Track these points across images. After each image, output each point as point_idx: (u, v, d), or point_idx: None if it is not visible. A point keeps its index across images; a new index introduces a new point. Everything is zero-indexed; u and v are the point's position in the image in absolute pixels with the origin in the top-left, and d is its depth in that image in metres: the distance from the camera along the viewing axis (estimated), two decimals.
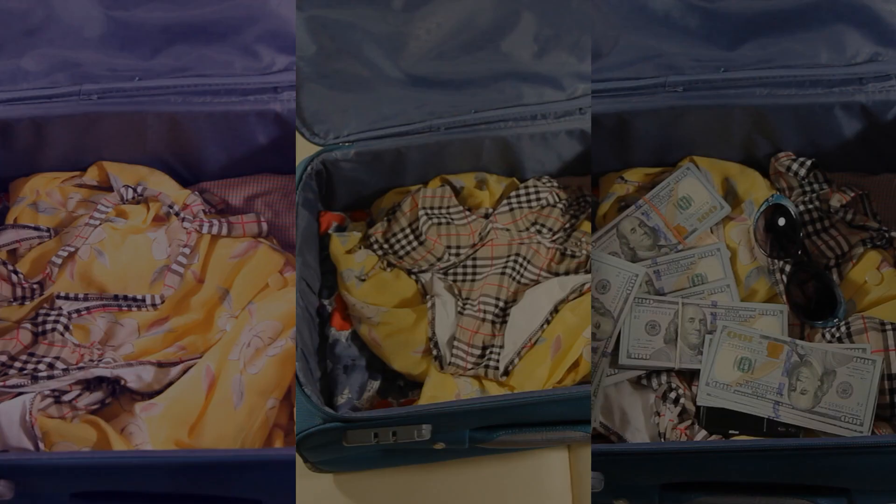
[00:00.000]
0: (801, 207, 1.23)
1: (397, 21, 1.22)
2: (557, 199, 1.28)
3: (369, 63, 1.23)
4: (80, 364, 1.13)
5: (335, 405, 1.15)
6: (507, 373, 1.15)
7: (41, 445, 1.05)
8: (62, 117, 1.21)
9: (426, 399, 1.13)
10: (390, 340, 1.18)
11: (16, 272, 1.18)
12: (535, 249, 1.23)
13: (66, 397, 1.09)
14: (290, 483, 1.00)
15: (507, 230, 1.25)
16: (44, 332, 1.15)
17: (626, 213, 1.25)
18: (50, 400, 1.08)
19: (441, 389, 1.13)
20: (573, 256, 1.22)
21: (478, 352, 1.16)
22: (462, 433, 1.09)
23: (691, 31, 1.22)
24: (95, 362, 1.13)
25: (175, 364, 1.13)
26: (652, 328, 1.16)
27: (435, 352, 1.16)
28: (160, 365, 1.12)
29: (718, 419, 1.10)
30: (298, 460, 1.11)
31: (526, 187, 1.28)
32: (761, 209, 1.20)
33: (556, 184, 1.29)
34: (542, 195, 1.27)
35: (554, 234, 1.25)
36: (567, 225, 1.27)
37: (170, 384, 1.12)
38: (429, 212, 1.26)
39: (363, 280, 1.22)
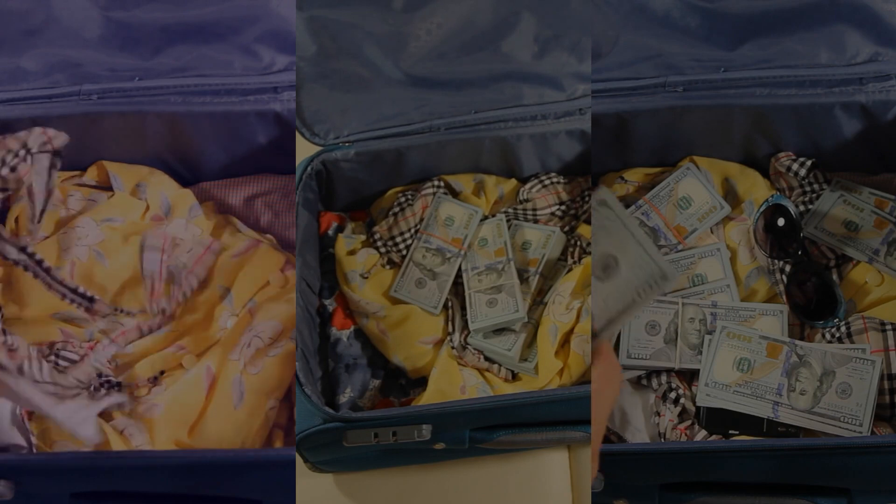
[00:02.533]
0: (801, 207, 1.23)
1: (397, 21, 1.22)
2: (558, 200, 1.28)
3: (369, 63, 1.23)
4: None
5: (337, 404, 1.15)
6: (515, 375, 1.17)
7: (33, 440, 1.05)
8: (62, 117, 1.21)
9: (433, 391, 1.13)
10: (398, 330, 1.18)
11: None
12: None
13: None
14: (290, 483, 1.00)
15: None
16: None
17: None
18: None
19: (447, 381, 1.14)
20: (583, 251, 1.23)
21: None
22: (462, 433, 1.09)
23: (691, 31, 1.22)
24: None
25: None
26: (652, 328, 1.16)
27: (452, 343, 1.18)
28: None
29: (718, 419, 1.10)
30: (298, 460, 1.11)
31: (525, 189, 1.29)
32: (761, 209, 1.20)
33: (562, 179, 1.29)
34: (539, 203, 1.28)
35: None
36: (567, 228, 1.27)
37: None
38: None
39: (365, 278, 1.22)
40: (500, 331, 1.19)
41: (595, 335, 0.81)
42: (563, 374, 1.14)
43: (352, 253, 1.24)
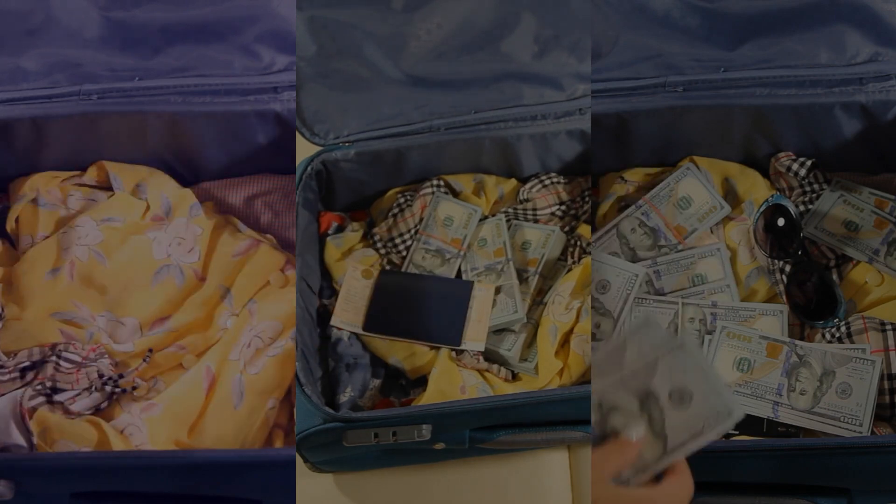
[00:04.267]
0: (801, 207, 1.23)
1: (397, 21, 1.22)
2: (558, 200, 1.28)
3: (369, 63, 1.23)
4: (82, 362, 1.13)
5: (337, 404, 1.15)
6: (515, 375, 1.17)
7: (33, 440, 1.05)
8: (62, 117, 1.21)
9: (433, 391, 1.13)
10: None
11: None
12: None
13: (58, 397, 1.09)
14: (290, 483, 1.00)
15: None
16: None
17: (626, 213, 1.25)
18: (42, 398, 1.09)
19: (447, 381, 1.14)
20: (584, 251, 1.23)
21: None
22: (462, 433, 1.09)
23: (691, 31, 1.22)
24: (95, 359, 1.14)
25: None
26: None
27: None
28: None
29: None
30: (298, 460, 1.11)
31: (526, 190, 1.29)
32: (761, 209, 1.20)
33: (562, 179, 1.29)
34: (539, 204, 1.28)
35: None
36: (567, 228, 1.27)
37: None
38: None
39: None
40: (499, 331, 1.19)
41: (665, 456, 0.89)
42: (563, 374, 1.14)
43: (347, 253, 1.24)
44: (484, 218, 1.27)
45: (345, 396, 1.15)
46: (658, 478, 0.89)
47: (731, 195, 1.27)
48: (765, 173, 1.28)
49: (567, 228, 1.27)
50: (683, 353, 0.91)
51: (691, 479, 0.89)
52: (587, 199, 1.28)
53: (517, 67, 1.24)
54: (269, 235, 1.26)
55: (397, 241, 1.26)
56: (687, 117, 1.23)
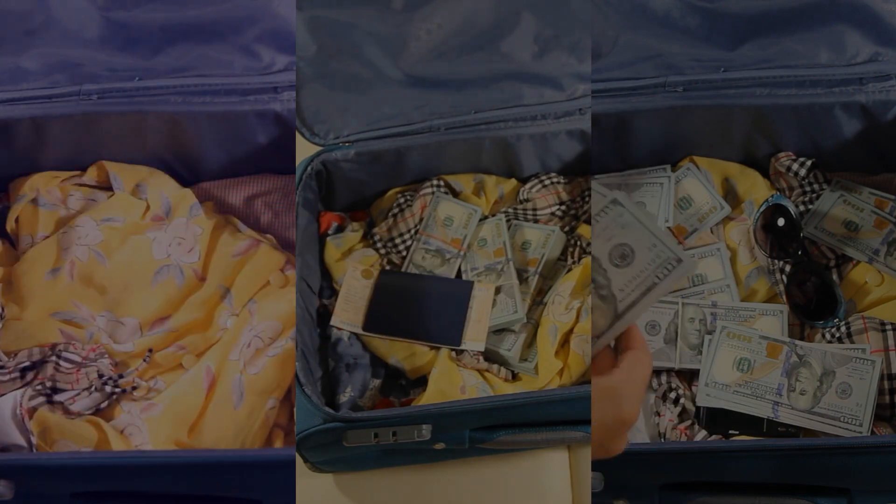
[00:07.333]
0: (801, 207, 1.23)
1: (397, 21, 1.22)
2: (558, 200, 1.28)
3: (369, 63, 1.23)
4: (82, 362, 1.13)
5: (337, 403, 1.15)
6: (515, 375, 1.17)
7: (33, 440, 1.05)
8: (62, 117, 1.21)
9: (433, 391, 1.13)
10: None
11: None
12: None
13: (58, 397, 1.09)
14: (290, 483, 1.00)
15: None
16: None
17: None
18: (42, 398, 1.09)
19: (447, 381, 1.14)
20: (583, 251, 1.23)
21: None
22: (462, 433, 1.09)
23: (691, 31, 1.22)
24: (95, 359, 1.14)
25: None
26: (652, 328, 1.16)
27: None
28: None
29: (718, 419, 1.10)
30: (298, 460, 1.11)
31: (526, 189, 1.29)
32: (761, 209, 1.20)
33: (562, 179, 1.29)
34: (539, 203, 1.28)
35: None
36: (567, 228, 1.27)
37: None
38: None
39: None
40: (499, 331, 1.19)
41: (619, 318, 0.85)
42: (563, 374, 1.14)
43: (347, 253, 1.24)
44: (484, 218, 1.27)
45: (345, 396, 1.15)
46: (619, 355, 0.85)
47: (731, 195, 1.27)
48: (765, 173, 1.28)
49: (567, 228, 1.27)
50: (618, 210, 0.86)
51: (649, 354, 0.86)
52: (587, 199, 1.28)
53: (517, 67, 1.25)
54: (269, 235, 1.26)
55: (397, 241, 1.26)
56: (687, 117, 1.23)
